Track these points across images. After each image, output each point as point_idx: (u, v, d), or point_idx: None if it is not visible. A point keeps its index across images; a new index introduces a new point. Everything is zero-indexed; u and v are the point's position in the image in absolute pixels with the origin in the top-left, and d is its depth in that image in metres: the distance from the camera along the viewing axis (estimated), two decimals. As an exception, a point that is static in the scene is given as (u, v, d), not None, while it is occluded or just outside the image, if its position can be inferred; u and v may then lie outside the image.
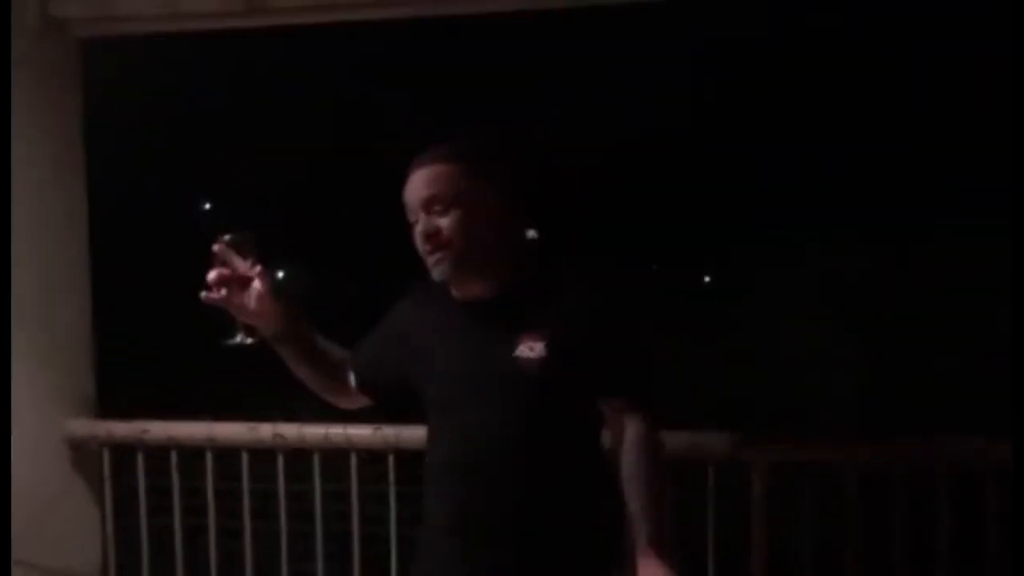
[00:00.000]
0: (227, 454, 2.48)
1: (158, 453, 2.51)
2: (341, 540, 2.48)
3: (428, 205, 1.58)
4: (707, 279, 19.74)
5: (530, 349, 1.54)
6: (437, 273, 1.59)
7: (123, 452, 2.54)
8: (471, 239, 1.57)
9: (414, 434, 2.11)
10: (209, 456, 2.48)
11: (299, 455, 2.42)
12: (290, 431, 2.39)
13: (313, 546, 2.48)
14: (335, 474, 2.44)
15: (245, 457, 2.46)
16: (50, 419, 2.49)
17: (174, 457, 2.49)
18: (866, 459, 2.11)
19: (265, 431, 2.40)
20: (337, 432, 2.36)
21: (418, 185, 1.59)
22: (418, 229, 1.59)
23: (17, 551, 2.35)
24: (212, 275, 1.61)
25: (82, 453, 2.55)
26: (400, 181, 1.63)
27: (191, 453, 2.50)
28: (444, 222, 1.57)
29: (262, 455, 2.45)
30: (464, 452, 1.60)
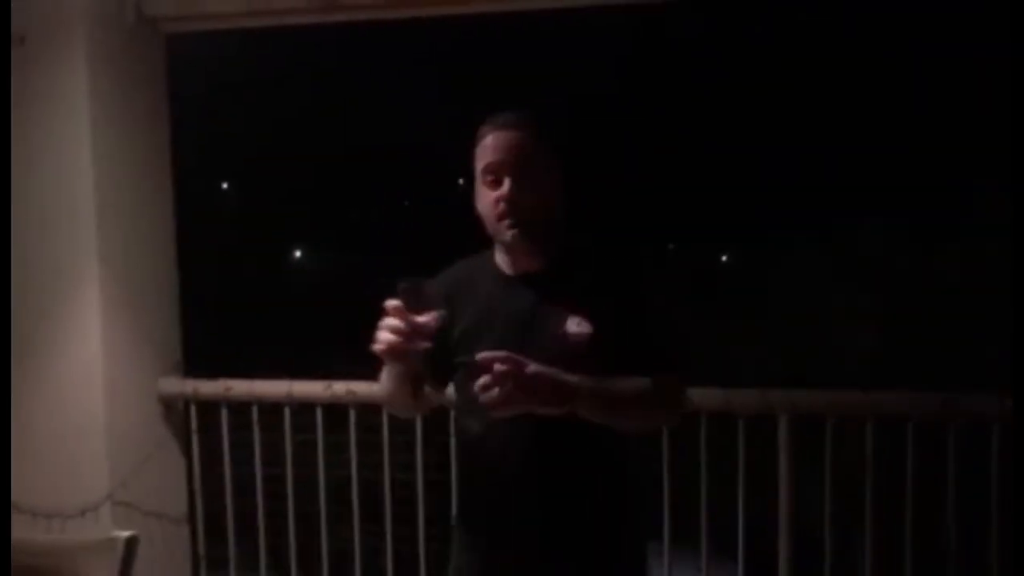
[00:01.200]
0: (303, 410, 2.75)
1: (240, 409, 2.79)
2: (407, 487, 2.75)
3: (512, 169, 1.60)
4: (724, 258, 19.90)
5: (578, 325, 1.58)
6: (509, 237, 1.61)
7: (208, 408, 2.81)
8: (545, 209, 1.61)
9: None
10: (287, 412, 2.75)
11: (369, 410, 2.69)
12: (361, 388, 2.65)
13: (381, 492, 2.75)
14: (400, 427, 2.70)
15: (319, 412, 2.73)
16: (144, 380, 2.76)
17: (255, 412, 2.76)
18: (883, 409, 2.35)
19: (339, 388, 2.66)
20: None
21: (504, 147, 1.60)
22: (501, 191, 1.60)
23: (119, 495, 2.65)
24: (389, 330, 1.49)
25: (172, 409, 2.82)
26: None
27: (270, 409, 2.77)
28: (525, 189, 1.59)
29: (336, 409, 2.72)
30: (508, 429, 1.56)
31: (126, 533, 1.79)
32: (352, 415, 2.70)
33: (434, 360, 1.62)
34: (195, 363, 2.96)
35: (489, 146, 1.63)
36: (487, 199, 1.63)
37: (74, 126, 2.54)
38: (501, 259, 1.69)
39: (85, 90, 2.53)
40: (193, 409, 2.81)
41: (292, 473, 2.79)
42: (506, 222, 1.61)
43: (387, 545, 2.77)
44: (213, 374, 2.82)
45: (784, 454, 2.47)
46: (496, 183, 1.62)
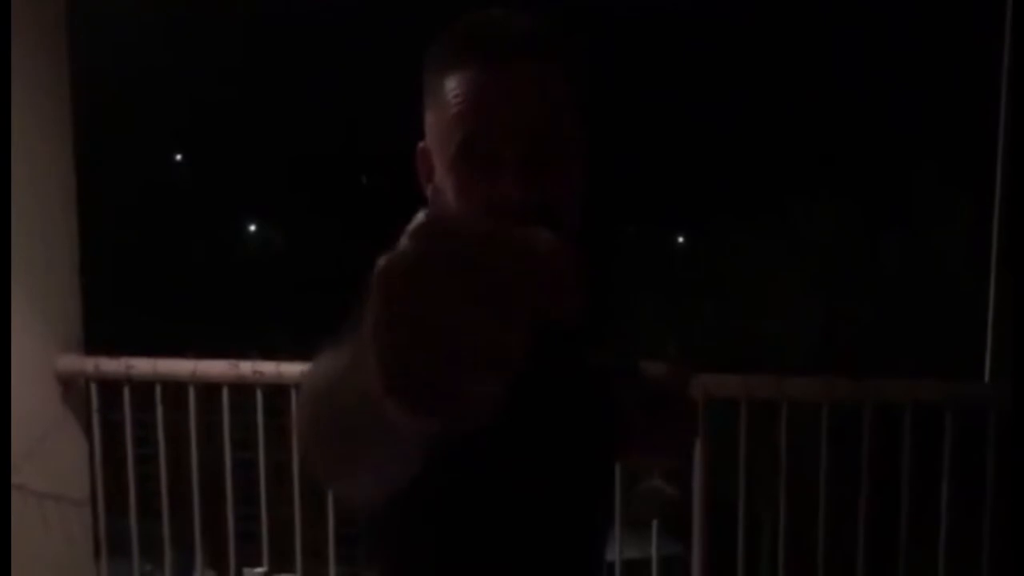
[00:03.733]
0: (209, 389, 2.65)
1: (143, 388, 2.68)
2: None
3: (526, 144, 0.86)
4: (680, 240, 20.00)
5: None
6: None
7: (111, 386, 2.70)
8: (570, 204, 0.91)
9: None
10: (192, 391, 2.64)
11: (277, 391, 2.60)
12: (269, 368, 2.56)
13: (289, 475, 2.66)
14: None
15: (226, 392, 2.63)
16: (41, 356, 2.64)
17: (158, 391, 2.66)
18: (795, 394, 2.31)
19: (245, 368, 2.56)
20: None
21: (507, 100, 0.85)
22: (500, 186, 0.87)
23: (14, 477, 2.53)
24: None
25: (72, 388, 2.71)
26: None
27: (175, 389, 2.67)
28: (544, 179, 0.87)
29: (243, 390, 2.63)
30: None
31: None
32: (259, 395, 2.61)
33: None
34: (150, 336, 2.84)
35: (472, 92, 0.84)
36: (468, 192, 0.89)
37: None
38: None
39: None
40: (94, 388, 2.70)
41: (197, 453, 2.70)
42: None
43: (296, 526, 2.69)
44: (120, 351, 2.71)
45: (699, 438, 2.43)
46: (489, 168, 0.87)
